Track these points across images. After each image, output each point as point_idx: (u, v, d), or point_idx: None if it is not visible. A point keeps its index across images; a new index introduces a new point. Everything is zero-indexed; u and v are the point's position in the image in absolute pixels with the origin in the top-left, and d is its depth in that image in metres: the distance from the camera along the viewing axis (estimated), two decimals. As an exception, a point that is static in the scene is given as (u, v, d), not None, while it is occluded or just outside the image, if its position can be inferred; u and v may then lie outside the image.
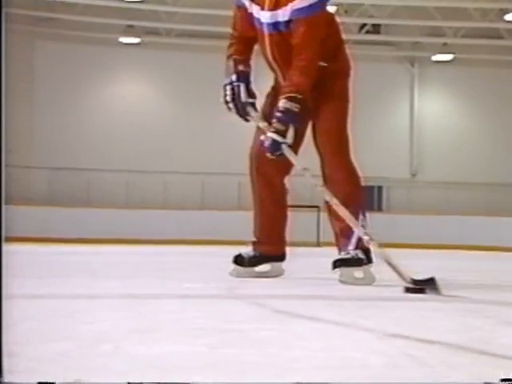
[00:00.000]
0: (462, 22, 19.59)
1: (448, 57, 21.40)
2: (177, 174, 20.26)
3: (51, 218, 17.79)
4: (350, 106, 4.02)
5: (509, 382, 1.28)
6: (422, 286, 3.12)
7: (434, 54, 21.44)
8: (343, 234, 3.83)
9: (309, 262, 7.05)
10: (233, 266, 4.04)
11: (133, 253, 10.04)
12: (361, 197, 3.86)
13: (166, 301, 2.81)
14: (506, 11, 18.72)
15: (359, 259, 3.76)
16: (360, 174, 3.97)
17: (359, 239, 3.76)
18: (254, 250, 4.09)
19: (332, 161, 3.87)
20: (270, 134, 3.67)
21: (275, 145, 3.65)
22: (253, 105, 3.85)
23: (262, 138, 3.74)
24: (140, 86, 21.22)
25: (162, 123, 20.85)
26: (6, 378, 1.24)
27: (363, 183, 3.98)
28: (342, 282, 3.72)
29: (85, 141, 20.31)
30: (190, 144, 20.64)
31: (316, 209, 18.23)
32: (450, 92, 22.17)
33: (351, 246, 3.79)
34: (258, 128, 4.04)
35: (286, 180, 4.14)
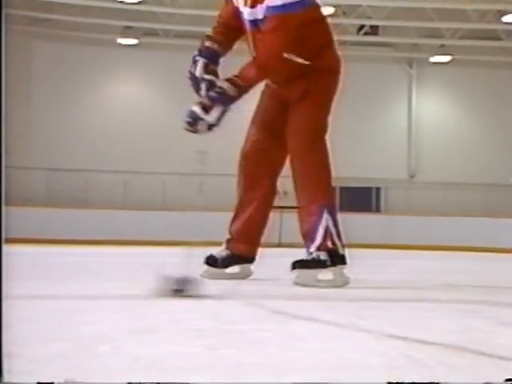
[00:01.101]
0: (459, 23, 19.58)
1: (446, 58, 21.42)
2: (175, 175, 20.25)
3: (49, 219, 17.77)
4: (334, 104, 3.93)
5: (509, 382, 1.28)
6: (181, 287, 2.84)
7: (432, 56, 21.45)
8: (307, 235, 3.75)
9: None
10: (204, 267, 3.97)
11: (131, 253, 10.03)
12: (328, 196, 3.76)
13: (164, 302, 2.81)
14: (504, 12, 18.71)
15: (320, 261, 3.66)
16: (332, 173, 3.82)
17: (323, 240, 3.67)
18: (227, 248, 4.02)
19: (301, 157, 3.80)
20: (193, 107, 3.60)
21: (193, 117, 3.57)
22: (210, 82, 3.72)
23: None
24: (138, 87, 21.22)
25: (160, 124, 20.83)
26: (5, 379, 1.24)
27: (333, 183, 3.83)
28: (296, 283, 3.63)
29: (83, 141, 20.30)
30: (188, 145, 20.64)
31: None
32: (448, 93, 22.19)
33: (313, 248, 3.70)
34: (250, 128, 4.04)
35: (278, 182, 4.07)
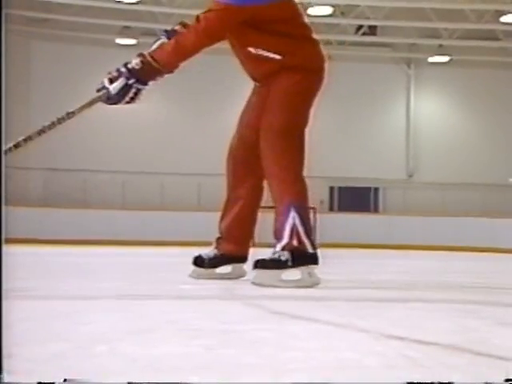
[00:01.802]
0: (458, 23, 19.60)
1: (444, 58, 21.44)
2: (173, 175, 20.26)
3: (47, 219, 17.77)
4: (314, 105, 3.84)
5: (507, 382, 1.28)
6: None
7: (431, 56, 21.48)
8: (276, 235, 3.68)
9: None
10: (192, 268, 3.96)
11: (129, 254, 10.03)
12: (295, 194, 3.66)
13: (162, 302, 2.82)
14: (502, 13, 18.74)
15: (279, 261, 3.56)
16: (303, 172, 3.76)
17: (289, 240, 3.60)
18: (217, 248, 3.98)
19: (269, 155, 3.73)
20: (104, 78, 3.69)
21: (101, 86, 3.70)
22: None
23: None
24: (136, 87, 21.21)
25: (158, 124, 20.84)
26: (3, 379, 1.24)
27: (304, 183, 3.74)
28: (254, 284, 3.57)
29: (81, 142, 20.29)
30: (187, 145, 20.64)
31: (312, 210, 18.25)
32: (447, 93, 22.21)
33: (278, 248, 3.62)
34: (238, 125, 4.03)
35: (264, 182, 3.98)
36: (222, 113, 19.54)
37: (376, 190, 21.92)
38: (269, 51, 3.73)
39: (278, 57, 3.73)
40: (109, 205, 19.07)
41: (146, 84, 3.68)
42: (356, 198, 21.39)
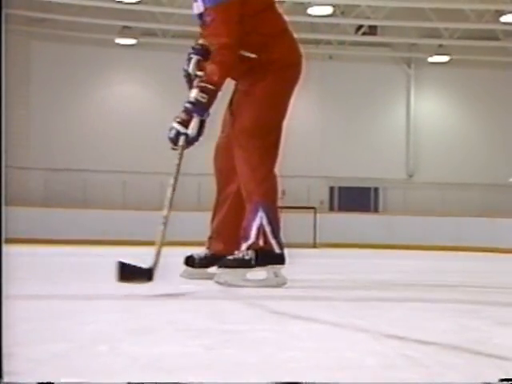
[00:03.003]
0: (458, 23, 19.60)
1: (444, 58, 21.44)
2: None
3: (47, 219, 17.76)
4: (291, 102, 3.82)
5: (506, 382, 1.29)
6: None
7: (431, 56, 21.47)
8: (243, 234, 3.68)
9: (305, 263, 7.06)
10: (184, 268, 3.96)
11: (130, 254, 10.02)
12: (262, 193, 3.67)
13: (163, 302, 2.82)
14: (502, 13, 18.73)
15: (243, 260, 3.58)
16: (275, 172, 3.76)
17: (256, 239, 3.61)
18: (208, 248, 3.98)
19: (242, 155, 3.74)
20: (174, 124, 3.56)
21: (176, 135, 3.54)
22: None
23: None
24: (136, 87, 21.21)
25: (159, 124, 20.80)
26: (5, 379, 1.24)
27: (274, 181, 3.74)
28: (217, 283, 3.57)
29: (81, 141, 20.29)
30: (187, 145, 20.66)
31: (312, 210, 18.27)
32: (447, 93, 22.20)
33: (244, 247, 3.63)
34: (222, 123, 4.03)
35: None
36: (222, 113, 19.52)
37: (376, 189, 21.91)
38: (245, 50, 3.74)
39: (252, 55, 3.74)
40: (109, 205, 19.06)
41: (209, 112, 3.61)
42: (356, 198, 21.38)
